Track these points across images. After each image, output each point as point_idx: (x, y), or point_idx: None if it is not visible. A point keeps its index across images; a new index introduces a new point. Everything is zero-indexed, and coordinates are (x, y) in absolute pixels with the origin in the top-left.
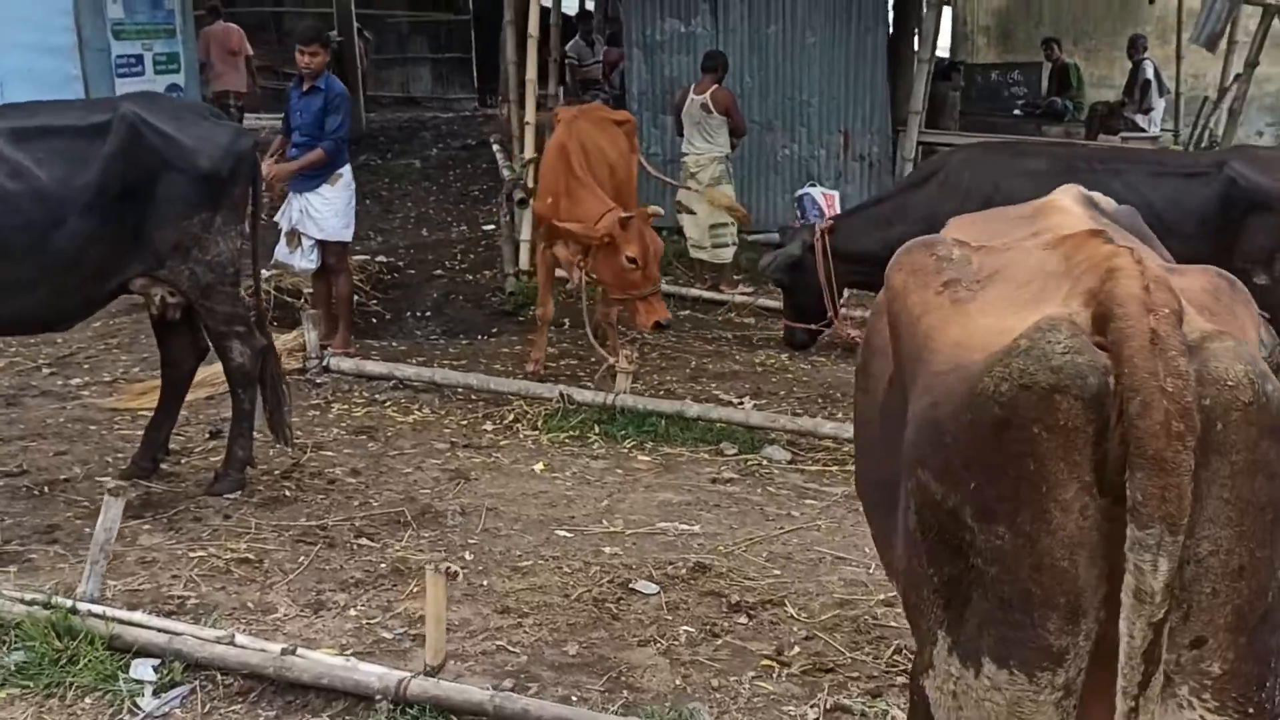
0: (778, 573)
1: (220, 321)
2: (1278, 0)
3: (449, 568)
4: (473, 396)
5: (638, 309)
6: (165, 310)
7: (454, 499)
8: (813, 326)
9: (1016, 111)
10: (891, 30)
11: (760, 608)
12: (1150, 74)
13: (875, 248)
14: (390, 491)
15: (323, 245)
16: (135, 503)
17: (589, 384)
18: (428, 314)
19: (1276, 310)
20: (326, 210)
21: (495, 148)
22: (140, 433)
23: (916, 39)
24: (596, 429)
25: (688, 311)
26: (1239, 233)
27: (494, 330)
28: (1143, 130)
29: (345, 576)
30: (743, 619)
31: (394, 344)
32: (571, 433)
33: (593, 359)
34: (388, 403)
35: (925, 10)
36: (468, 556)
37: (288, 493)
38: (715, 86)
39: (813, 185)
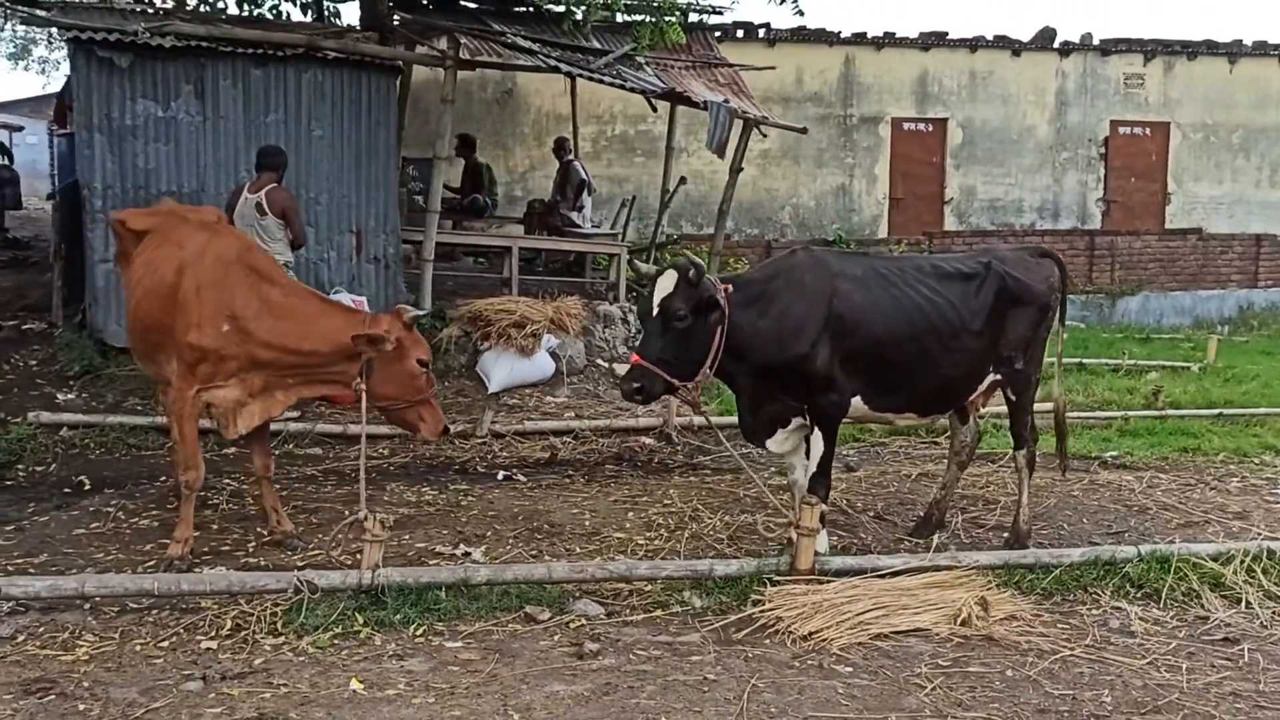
0: None
1: None
2: (755, 115)
3: None
4: (132, 605)
5: (423, 418)
6: None
7: None
8: (675, 381)
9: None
10: None
11: None
12: (583, 174)
13: (743, 334)
14: None
15: None
16: None
17: (253, 558)
18: None
19: (1026, 390)
20: None
21: None
22: None
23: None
24: (359, 618)
25: (232, 450)
26: (1004, 324)
27: None
28: (578, 225)
29: None
30: None
31: None
32: (332, 629)
33: (222, 526)
34: (21, 637)
35: (443, 107)
36: None
37: None
38: (273, 185)
39: (338, 291)
